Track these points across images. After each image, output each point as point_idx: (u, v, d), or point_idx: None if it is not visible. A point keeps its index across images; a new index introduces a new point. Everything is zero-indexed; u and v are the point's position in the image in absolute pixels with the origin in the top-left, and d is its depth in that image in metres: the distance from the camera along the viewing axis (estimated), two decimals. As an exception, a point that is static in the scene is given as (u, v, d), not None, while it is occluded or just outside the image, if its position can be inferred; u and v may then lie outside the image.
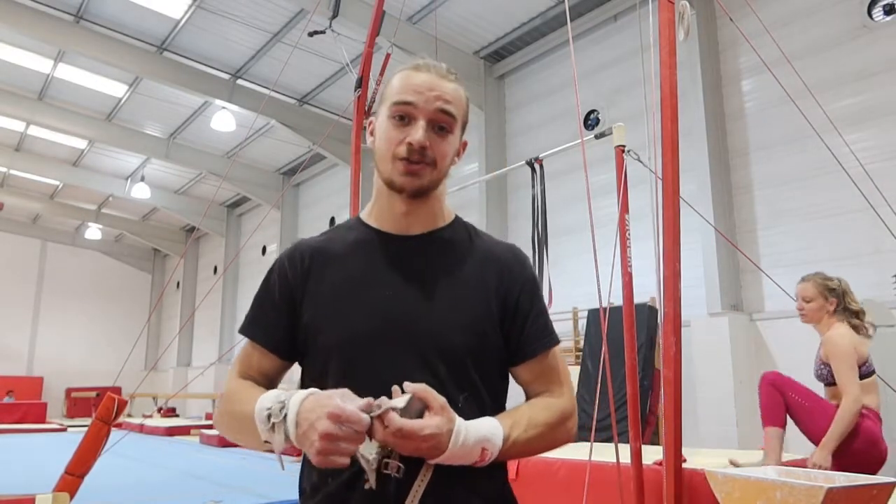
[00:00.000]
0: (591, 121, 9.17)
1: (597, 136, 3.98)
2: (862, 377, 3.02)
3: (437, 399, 0.91)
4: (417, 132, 1.03)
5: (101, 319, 21.94)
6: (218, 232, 18.56)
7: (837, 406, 3.00)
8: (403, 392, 0.91)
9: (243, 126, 12.88)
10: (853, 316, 3.14)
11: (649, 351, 6.51)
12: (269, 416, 0.90)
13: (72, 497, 4.57)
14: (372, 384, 0.93)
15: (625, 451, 3.27)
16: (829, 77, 6.77)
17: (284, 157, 15.31)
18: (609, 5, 9.00)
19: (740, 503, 2.55)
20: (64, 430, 14.83)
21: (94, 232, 21.06)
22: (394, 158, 1.05)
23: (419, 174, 1.05)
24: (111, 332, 21.57)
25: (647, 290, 5.55)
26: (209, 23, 10.33)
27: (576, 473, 3.54)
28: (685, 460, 2.99)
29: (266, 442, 0.93)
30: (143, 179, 16.23)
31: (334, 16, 6.94)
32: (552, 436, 1.07)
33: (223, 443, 10.91)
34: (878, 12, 6.67)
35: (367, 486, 0.89)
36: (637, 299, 3.69)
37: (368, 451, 0.87)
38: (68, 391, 20.22)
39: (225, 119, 12.36)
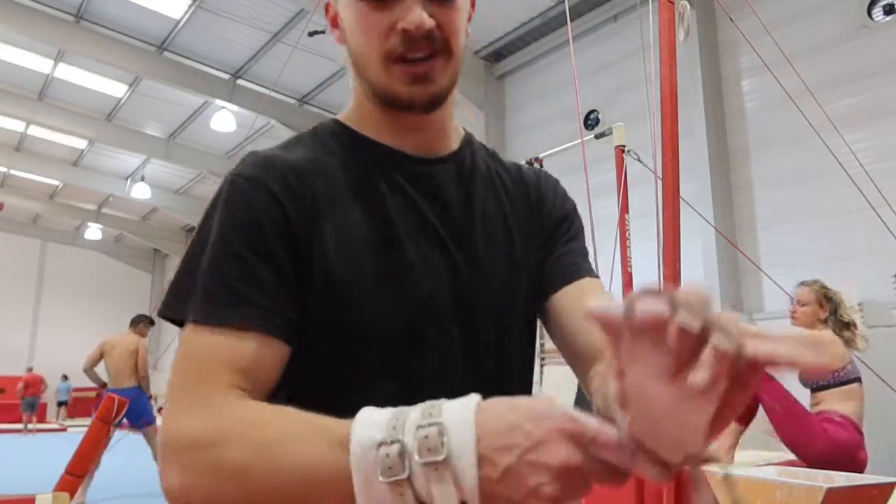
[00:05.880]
0: (591, 121, 9.18)
1: (597, 136, 3.99)
2: (842, 383, 3.01)
3: None
4: (412, 12, 0.67)
5: (101, 319, 21.92)
6: (218, 232, 18.56)
7: (820, 413, 2.99)
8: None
9: (243, 126, 12.88)
10: (844, 328, 3.13)
11: (649, 351, 6.52)
12: (401, 455, 0.45)
13: (72, 497, 4.58)
14: (421, 391, 0.56)
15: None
16: (829, 77, 6.77)
17: (284, 157, 15.32)
18: (609, 5, 9.00)
19: (740, 503, 2.55)
20: (64, 430, 14.84)
21: (94, 232, 21.06)
22: (385, 60, 0.69)
23: (431, 76, 0.69)
24: (111, 332, 21.29)
25: (647, 290, 5.54)
26: (209, 23, 10.33)
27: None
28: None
29: None
30: (143, 179, 16.23)
31: (334, 16, 6.94)
32: None
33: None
34: (877, 12, 6.67)
35: None
36: (637, 299, 3.68)
37: None
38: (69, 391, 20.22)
39: (225, 119, 12.36)
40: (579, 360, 0.74)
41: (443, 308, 0.71)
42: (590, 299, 0.57)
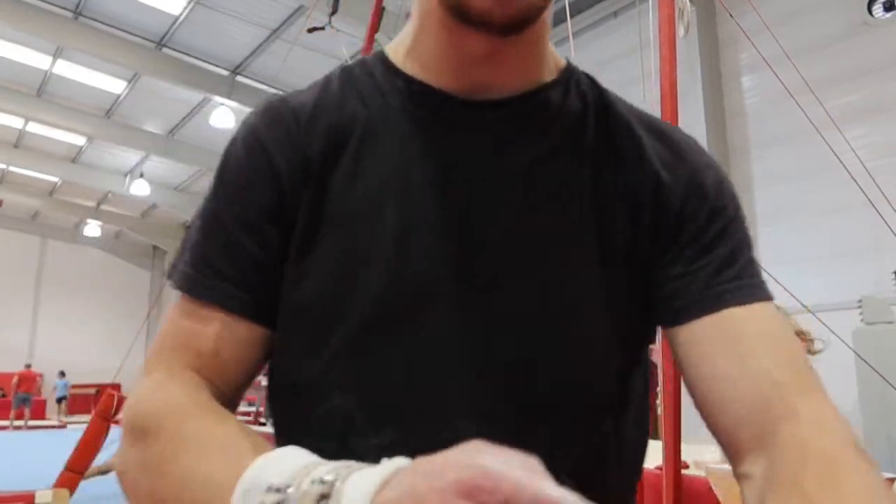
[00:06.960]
0: (590, 117, 9.18)
1: (597, 133, 3.97)
2: None
3: None
4: None
5: (100, 316, 21.94)
6: (217, 229, 18.56)
7: None
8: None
9: (242, 123, 12.88)
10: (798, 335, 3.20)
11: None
12: None
13: (71, 493, 4.59)
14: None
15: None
16: (829, 74, 6.76)
17: (284, 153, 15.31)
18: (609, 2, 8.99)
19: (740, 500, 2.55)
20: (64, 426, 14.85)
21: (93, 229, 21.05)
22: None
23: None
24: (111, 328, 21.56)
25: (647, 287, 5.54)
26: (208, 19, 10.31)
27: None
28: (687, 466, 2.97)
29: None
30: (142, 176, 16.22)
31: (333, 12, 6.91)
32: None
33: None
34: (878, 9, 6.66)
35: None
36: (637, 296, 3.68)
37: None
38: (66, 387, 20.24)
39: (224, 116, 12.33)
40: (724, 438, 0.57)
41: (446, 287, 0.55)
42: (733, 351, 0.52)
